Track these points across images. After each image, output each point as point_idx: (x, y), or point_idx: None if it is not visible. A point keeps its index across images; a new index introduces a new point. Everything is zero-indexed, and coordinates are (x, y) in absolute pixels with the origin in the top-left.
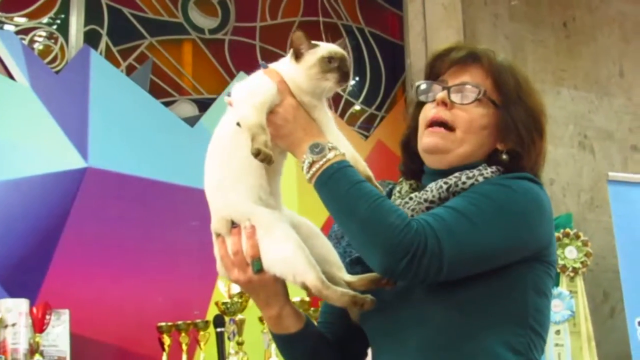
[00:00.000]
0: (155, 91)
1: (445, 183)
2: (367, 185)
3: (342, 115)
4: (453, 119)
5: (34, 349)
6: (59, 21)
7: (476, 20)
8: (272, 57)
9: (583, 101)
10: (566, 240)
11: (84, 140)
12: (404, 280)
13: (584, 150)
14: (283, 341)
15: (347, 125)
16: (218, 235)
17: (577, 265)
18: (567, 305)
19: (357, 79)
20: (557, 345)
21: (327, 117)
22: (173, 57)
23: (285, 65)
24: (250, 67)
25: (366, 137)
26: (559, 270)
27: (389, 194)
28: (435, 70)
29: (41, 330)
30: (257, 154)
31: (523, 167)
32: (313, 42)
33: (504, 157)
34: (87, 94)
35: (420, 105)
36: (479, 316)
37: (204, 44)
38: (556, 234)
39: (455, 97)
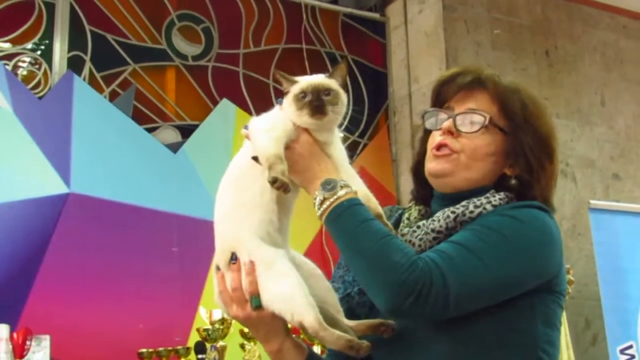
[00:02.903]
0: (138, 117)
1: (453, 212)
2: (375, 223)
3: None
4: (459, 146)
5: None
6: (42, 47)
7: (458, 48)
8: (255, 84)
9: (565, 129)
10: None
11: (66, 166)
12: (409, 318)
13: (565, 178)
14: None
15: None
16: (218, 269)
17: None
18: None
19: None
20: None
21: (342, 154)
22: (156, 83)
23: None
24: (233, 93)
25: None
26: None
27: (399, 219)
28: (441, 96)
29: (22, 356)
30: (273, 181)
31: (533, 193)
32: (295, 78)
33: (513, 182)
34: (70, 119)
35: (429, 130)
36: (486, 349)
37: (187, 70)
38: None
39: (461, 126)
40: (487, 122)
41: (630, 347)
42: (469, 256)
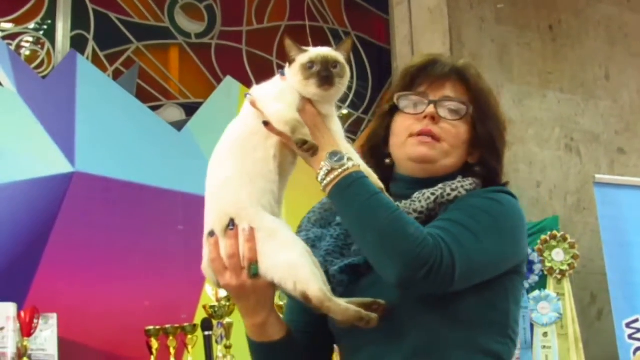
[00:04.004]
0: (142, 96)
1: (432, 194)
2: (384, 197)
3: None
4: (441, 132)
5: (21, 353)
6: (45, 26)
7: (462, 23)
8: (259, 61)
9: (569, 104)
10: (553, 243)
11: (71, 145)
12: (418, 290)
13: (570, 153)
14: (265, 350)
15: None
16: (211, 235)
17: (564, 267)
18: (554, 307)
19: None
20: (544, 347)
21: (340, 129)
22: (160, 61)
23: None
24: (236, 71)
25: (353, 140)
26: (546, 273)
27: None
28: (417, 82)
29: (29, 335)
30: (303, 143)
31: (498, 180)
32: (304, 47)
33: (477, 169)
34: (74, 98)
35: (392, 114)
36: (469, 325)
37: (191, 48)
38: (543, 237)
39: (442, 112)
40: (469, 111)
41: (636, 321)
42: (468, 234)
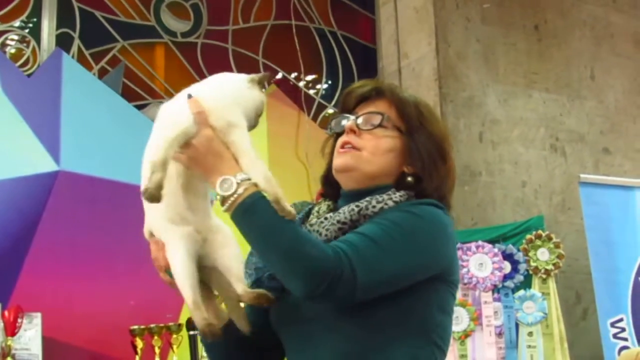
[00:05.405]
0: (128, 94)
1: (357, 206)
2: (279, 218)
3: (315, 118)
4: (360, 142)
5: (5, 353)
6: (31, 24)
7: (448, 23)
8: (245, 60)
9: (554, 104)
10: (538, 242)
11: (56, 144)
12: (322, 303)
13: (555, 153)
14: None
15: (319, 128)
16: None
17: (549, 267)
18: (539, 307)
19: (329, 82)
20: (529, 346)
21: (243, 138)
22: (145, 60)
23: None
24: (222, 70)
25: (334, 141)
26: (531, 272)
27: (309, 212)
28: (346, 106)
29: (13, 334)
30: (144, 191)
31: (426, 190)
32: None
33: (409, 179)
34: (59, 97)
35: (337, 137)
36: (387, 330)
37: (177, 47)
38: (528, 236)
39: (362, 124)
40: (383, 120)
41: (621, 320)
42: (373, 247)
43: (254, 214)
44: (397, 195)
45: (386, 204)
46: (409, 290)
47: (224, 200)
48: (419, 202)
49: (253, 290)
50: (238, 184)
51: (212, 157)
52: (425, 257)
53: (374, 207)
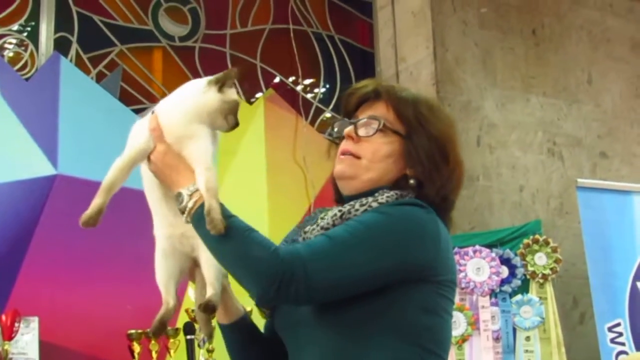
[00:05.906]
0: (125, 98)
1: (340, 211)
2: (229, 223)
3: (312, 123)
4: (359, 150)
5: (2, 357)
6: (29, 28)
7: (445, 27)
8: (243, 64)
9: (552, 108)
10: (536, 247)
11: (53, 148)
12: (278, 304)
13: (553, 157)
14: (223, 330)
15: (317, 132)
16: None
17: (547, 271)
18: (536, 311)
19: (327, 86)
20: (527, 351)
21: (201, 147)
22: (143, 64)
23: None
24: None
25: (337, 144)
26: (528, 277)
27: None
28: (347, 108)
29: (10, 338)
30: (82, 218)
31: (427, 192)
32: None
33: (411, 182)
34: (57, 101)
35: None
36: (366, 334)
37: (174, 51)
38: (525, 241)
39: (360, 131)
40: (380, 126)
41: (618, 324)
42: (331, 246)
43: (203, 226)
44: (384, 197)
45: (370, 206)
46: (384, 291)
47: (182, 212)
48: (398, 203)
49: (206, 297)
50: (189, 196)
51: (169, 170)
52: (393, 258)
53: (356, 210)
